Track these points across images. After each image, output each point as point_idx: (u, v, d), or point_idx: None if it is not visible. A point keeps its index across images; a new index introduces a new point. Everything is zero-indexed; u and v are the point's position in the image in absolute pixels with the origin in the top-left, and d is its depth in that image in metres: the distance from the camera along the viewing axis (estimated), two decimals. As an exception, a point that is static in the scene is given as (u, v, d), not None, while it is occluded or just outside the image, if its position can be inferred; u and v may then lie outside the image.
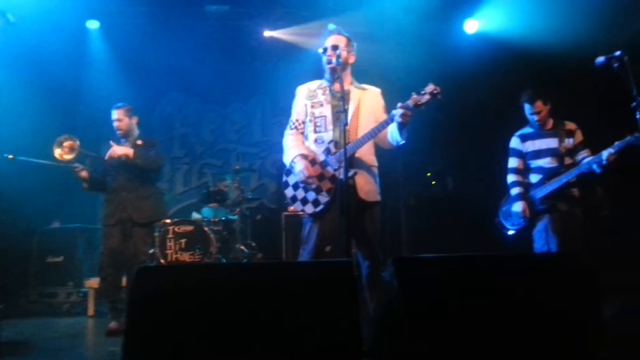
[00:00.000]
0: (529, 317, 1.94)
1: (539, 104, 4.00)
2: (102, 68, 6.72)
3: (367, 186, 3.25)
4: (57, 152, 4.24)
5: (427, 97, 3.00)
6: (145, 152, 4.35)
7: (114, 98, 4.70)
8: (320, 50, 3.35)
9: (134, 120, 4.49)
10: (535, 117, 4.03)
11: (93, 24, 6.51)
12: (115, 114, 4.42)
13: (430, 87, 3.01)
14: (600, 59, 3.50)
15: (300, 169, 3.21)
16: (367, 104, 3.35)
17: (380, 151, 3.46)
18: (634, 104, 3.35)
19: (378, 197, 3.33)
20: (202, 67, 6.95)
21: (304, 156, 3.27)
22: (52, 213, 5.95)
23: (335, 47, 3.27)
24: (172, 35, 6.55)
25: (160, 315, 1.82)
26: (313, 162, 3.26)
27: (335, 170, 3.20)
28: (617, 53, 3.44)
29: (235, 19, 6.48)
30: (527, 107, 4.07)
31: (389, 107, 3.27)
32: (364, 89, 3.42)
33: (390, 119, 3.12)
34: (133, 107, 4.53)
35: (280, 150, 3.49)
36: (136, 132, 4.52)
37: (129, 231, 4.31)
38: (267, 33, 6.84)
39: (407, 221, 6.02)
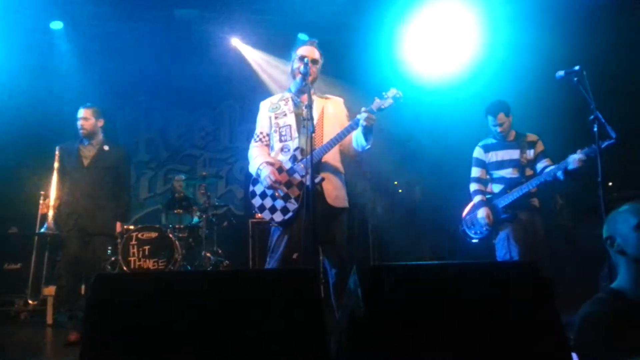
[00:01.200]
0: (490, 324, 1.96)
1: (501, 116, 4.11)
2: (66, 70, 6.54)
3: (334, 192, 3.26)
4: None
5: (389, 100, 3.15)
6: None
7: (78, 101, 4.60)
8: (296, 59, 3.35)
9: (100, 122, 4.40)
10: (498, 129, 4.13)
11: (57, 25, 6.34)
12: (82, 113, 4.32)
13: (392, 91, 3.17)
14: (560, 73, 3.63)
15: (266, 174, 3.20)
16: (331, 112, 3.39)
17: (348, 160, 3.49)
18: (591, 117, 3.47)
19: (346, 204, 3.34)
20: (170, 71, 6.86)
21: (270, 163, 3.27)
22: (10, 219, 5.76)
23: (305, 58, 3.28)
24: (138, 38, 6.42)
25: (118, 324, 1.77)
26: (280, 169, 3.26)
27: (302, 176, 3.20)
28: (576, 67, 3.56)
29: (204, 23, 6.41)
30: (490, 119, 4.18)
31: (352, 115, 3.32)
32: (326, 98, 3.47)
33: (355, 124, 3.16)
34: (101, 109, 4.45)
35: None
36: (100, 135, 4.42)
37: (87, 238, 4.20)
38: (235, 42, 6.79)
39: (375, 229, 6.06)
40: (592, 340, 1.79)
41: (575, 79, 3.55)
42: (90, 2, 6.04)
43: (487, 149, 4.25)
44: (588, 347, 1.80)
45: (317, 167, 3.17)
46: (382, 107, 3.15)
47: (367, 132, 3.17)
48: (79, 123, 4.31)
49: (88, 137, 4.33)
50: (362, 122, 3.09)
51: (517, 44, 6.14)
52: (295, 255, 3.43)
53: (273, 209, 3.26)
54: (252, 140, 3.46)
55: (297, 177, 3.23)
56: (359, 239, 6.39)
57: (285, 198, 3.23)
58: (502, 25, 6.08)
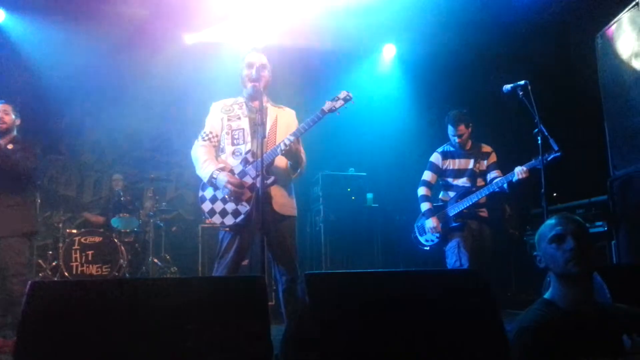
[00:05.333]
0: (435, 331, 1.98)
1: (462, 127, 4.18)
2: (6, 66, 6.18)
3: (281, 199, 3.26)
4: None
5: (340, 102, 3.26)
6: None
7: (20, 100, 4.39)
8: (244, 66, 3.36)
9: (18, 121, 4.24)
10: (457, 139, 4.20)
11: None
12: (2, 107, 4.15)
13: (343, 93, 3.29)
14: (507, 87, 3.77)
15: (225, 180, 3.15)
16: (284, 121, 3.41)
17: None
18: (536, 130, 3.61)
19: (293, 212, 3.35)
20: (118, 71, 6.61)
21: (222, 169, 3.23)
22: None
23: (254, 65, 3.31)
24: (85, 36, 6.17)
25: (54, 333, 1.68)
26: (231, 172, 3.23)
27: (253, 178, 3.17)
28: (522, 82, 3.70)
29: (154, 22, 6.22)
30: (450, 129, 4.24)
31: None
32: (280, 107, 3.49)
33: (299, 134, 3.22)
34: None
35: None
36: (14, 133, 4.22)
37: None
38: (189, 38, 6.63)
39: (327, 237, 6.06)
40: (529, 351, 1.83)
41: (521, 92, 3.69)
42: None
43: (445, 155, 4.31)
44: (526, 358, 1.84)
45: (268, 169, 3.18)
46: (334, 108, 3.24)
47: (288, 157, 3.26)
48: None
49: (5, 133, 4.13)
50: (280, 146, 3.17)
51: (473, 52, 6.33)
52: (245, 262, 3.39)
53: (224, 213, 3.21)
54: (199, 139, 3.41)
55: (248, 179, 3.20)
56: (311, 246, 6.38)
57: (237, 201, 3.19)
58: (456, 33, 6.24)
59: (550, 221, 1.96)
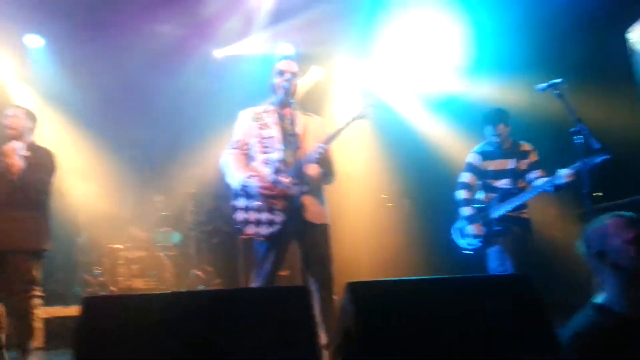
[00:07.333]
0: (484, 338, 1.96)
1: (501, 127, 4.06)
2: (48, 88, 6.32)
3: (313, 207, 3.25)
4: None
5: (368, 109, 3.30)
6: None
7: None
8: (276, 73, 3.38)
9: (33, 125, 3.88)
10: (497, 139, 4.10)
11: (34, 41, 6.03)
12: (12, 111, 3.85)
13: (371, 100, 3.43)
14: (542, 86, 3.61)
15: (257, 185, 3.16)
16: (313, 129, 3.41)
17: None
18: (574, 129, 3.45)
19: (326, 220, 3.33)
20: (153, 87, 6.74)
21: (253, 175, 3.24)
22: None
23: (286, 72, 3.33)
24: (119, 50, 6.27)
25: (109, 347, 1.74)
26: (261, 182, 3.22)
27: (286, 187, 3.18)
28: (558, 80, 3.57)
29: (187, 39, 6.36)
30: (489, 129, 4.12)
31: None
32: (309, 115, 3.50)
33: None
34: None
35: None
36: (30, 138, 3.85)
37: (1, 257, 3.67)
38: (218, 52, 6.74)
39: (365, 245, 6.04)
40: (587, 357, 1.78)
41: (557, 91, 3.53)
42: (68, 18, 5.85)
43: (484, 156, 4.17)
44: None
45: (301, 178, 3.19)
46: (363, 115, 3.26)
47: (322, 165, 3.27)
48: (7, 122, 3.81)
49: (15, 139, 3.76)
50: (314, 154, 3.17)
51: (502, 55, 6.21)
52: (285, 272, 3.42)
53: (258, 222, 3.20)
54: (228, 147, 3.40)
55: (281, 188, 3.20)
56: (349, 254, 6.36)
57: (271, 210, 3.18)
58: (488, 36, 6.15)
59: (625, 218, 1.90)
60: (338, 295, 3.16)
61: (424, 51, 6.43)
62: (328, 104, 6.61)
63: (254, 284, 3.25)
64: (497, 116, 4.08)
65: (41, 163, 3.78)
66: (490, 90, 6.32)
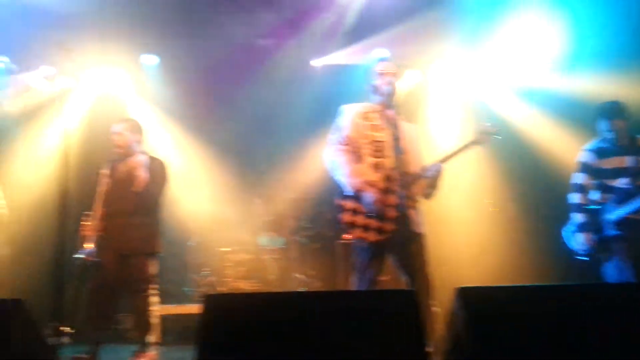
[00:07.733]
0: (601, 350, 1.86)
1: (619, 122, 3.77)
2: (161, 101, 6.84)
3: (416, 217, 3.28)
4: None
5: (486, 137, 3.38)
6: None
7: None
8: (376, 75, 3.38)
9: (139, 136, 4.14)
10: (612, 135, 3.80)
11: (150, 59, 6.61)
12: (116, 127, 4.09)
13: (490, 126, 3.40)
14: None
15: (372, 199, 3.13)
16: (413, 137, 3.43)
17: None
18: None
19: (424, 229, 3.34)
20: (254, 96, 7.06)
21: (368, 183, 3.19)
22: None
23: (388, 74, 3.34)
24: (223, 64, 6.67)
25: (228, 341, 1.87)
26: (375, 189, 3.19)
27: (400, 198, 3.18)
28: None
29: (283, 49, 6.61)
30: (604, 124, 3.83)
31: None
32: (407, 120, 3.49)
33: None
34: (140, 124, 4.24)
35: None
36: (138, 149, 4.11)
37: (123, 260, 4.02)
38: (315, 62, 6.90)
39: (468, 251, 5.90)
40: None
41: None
42: (182, 37, 6.35)
43: (599, 154, 3.86)
44: None
45: (410, 191, 3.24)
46: (481, 140, 3.36)
47: (432, 182, 3.30)
48: (113, 140, 4.10)
49: (123, 157, 4.09)
50: (432, 170, 3.20)
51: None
52: (386, 277, 3.44)
53: (366, 228, 3.19)
54: (335, 142, 3.32)
55: (394, 198, 3.19)
56: (450, 261, 6.22)
57: (381, 218, 3.18)
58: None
59: None
60: (436, 302, 3.14)
61: (526, 49, 6.17)
62: (422, 110, 6.55)
63: (357, 288, 3.27)
64: (614, 110, 3.77)
65: (158, 174, 4.08)
66: (594, 86, 5.90)
